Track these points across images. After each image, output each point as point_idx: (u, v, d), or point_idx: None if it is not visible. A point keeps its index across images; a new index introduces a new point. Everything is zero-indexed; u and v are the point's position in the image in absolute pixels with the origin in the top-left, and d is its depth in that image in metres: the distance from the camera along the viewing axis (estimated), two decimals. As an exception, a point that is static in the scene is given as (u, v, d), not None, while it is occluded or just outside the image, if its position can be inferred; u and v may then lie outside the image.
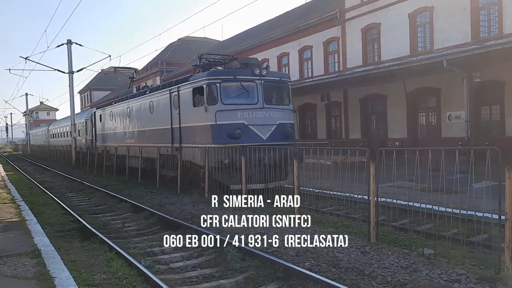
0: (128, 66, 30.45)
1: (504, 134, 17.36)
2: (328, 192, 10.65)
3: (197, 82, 12.86)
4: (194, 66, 14.99)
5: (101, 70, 42.94)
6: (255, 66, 12.86)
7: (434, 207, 7.35)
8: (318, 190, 11.01)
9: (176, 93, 14.04)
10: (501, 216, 5.33)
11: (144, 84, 21.82)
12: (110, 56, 28.66)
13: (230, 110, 12.08)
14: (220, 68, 13.95)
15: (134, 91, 20.09)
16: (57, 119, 65.74)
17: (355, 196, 9.38)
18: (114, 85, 64.20)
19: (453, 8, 19.24)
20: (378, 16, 22.97)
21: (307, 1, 34.37)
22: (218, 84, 12.18)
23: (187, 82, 13.44)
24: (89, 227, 8.82)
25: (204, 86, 12.41)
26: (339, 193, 10.08)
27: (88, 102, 70.23)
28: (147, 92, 17.10)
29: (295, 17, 31.23)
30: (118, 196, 13.15)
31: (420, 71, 17.48)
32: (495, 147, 5.58)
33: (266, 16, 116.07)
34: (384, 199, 8.74)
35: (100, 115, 23.72)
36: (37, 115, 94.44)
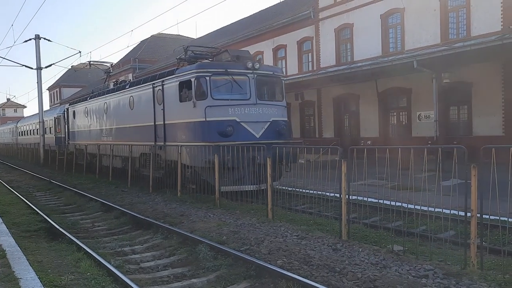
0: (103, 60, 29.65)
1: (471, 134, 17.86)
2: (301, 190, 10.73)
3: (184, 75, 12.10)
4: (178, 59, 14.03)
5: (71, 66, 41.97)
6: (247, 59, 12.14)
7: (403, 204, 7.50)
8: (292, 188, 11.07)
9: (160, 87, 13.22)
10: (467, 213, 5.47)
11: (118, 80, 20.94)
12: (80, 52, 28.22)
13: (221, 105, 11.42)
14: (208, 61, 13.19)
15: (111, 86, 19.22)
16: (25, 116, 63.86)
17: (328, 194, 9.47)
18: (84, 82, 62.93)
19: (424, 10, 19.66)
20: (351, 16, 23.25)
21: (281, 0, 34.50)
22: (208, 78, 11.45)
23: (173, 76, 12.62)
24: (57, 227, 8.59)
25: (193, 79, 11.66)
26: (312, 191, 10.16)
27: (57, 99, 68.46)
28: (127, 87, 16.17)
29: (269, 15, 31.29)
30: (88, 195, 12.86)
31: (391, 71, 17.80)
32: (462, 146, 5.73)
33: (241, 14, 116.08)
34: (356, 197, 8.87)
35: (74, 111, 22.70)
36: (3, 112, 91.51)
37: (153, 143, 13.72)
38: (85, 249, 6.80)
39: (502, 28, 16.74)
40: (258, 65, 11.99)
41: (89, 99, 20.48)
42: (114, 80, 20.92)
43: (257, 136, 11.59)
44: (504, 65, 16.61)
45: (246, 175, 10.54)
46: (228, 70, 11.60)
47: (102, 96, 18.54)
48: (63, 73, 66.29)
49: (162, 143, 13.19)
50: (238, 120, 11.44)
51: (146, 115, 14.16)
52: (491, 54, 14.98)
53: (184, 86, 12.09)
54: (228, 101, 11.52)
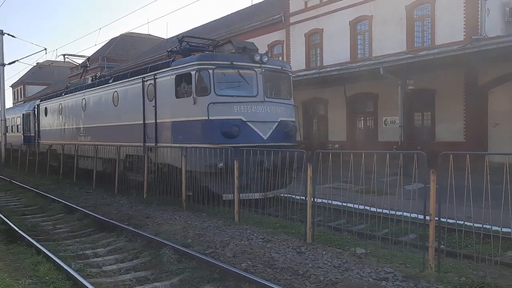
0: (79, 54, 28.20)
1: (434, 139, 18.42)
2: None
3: (182, 68, 10.91)
4: (169, 52, 12.78)
5: (37, 63, 40.74)
6: (254, 51, 11.04)
7: (366, 207, 7.65)
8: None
9: (152, 81, 11.96)
10: (426, 217, 5.64)
11: (97, 75, 19.57)
12: (46, 49, 27.29)
13: (225, 102, 10.32)
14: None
15: (90, 81, 17.93)
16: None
17: (294, 197, 9.55)
18: (50, 79, 61.35)
19: (391, 18, 20.17)
20: (321, 22, 23.58)
21: (253, 4, 34.66)
22: (211, 71, 10.32)
23: (168, 68, 11.39)
24: (16, 229, 8.30)
25: (193, 72, 10.51)
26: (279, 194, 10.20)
27: (21, 97, 66.34)
28: (110, 81, 14.73)
29: (241, 18, 31.34)
30: (50, 196, 12.49)
31: (359, 77, 18.16)
32: (422, 152, 5.90)
33: (212, 15, 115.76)
34: (321, 200, 8.97)
35: (46, 108, 21.08)
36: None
37: (142, 144, 12.52)
38: (44, 252, 6.61)
39: (464, 38, 17.36)
40: (266, 58, 10.95)
41: (64, 94, 18.96)
42: (93, 75, 19.91)
43: (265, 138, 10.69)
44: (466, 73, 17.24)
45: (251, 181, 9.52)
46: (234, 62, 10.51)
47: (80, 92, 16.99)
48: (27, 70, 64.38)
49: (153, 144, 11.99)
50: (244, 119, 10.41)
51: (133, 112, 12.90)
52: (454, 63, 15.51)
53: (183, 80, 10.90)
54: (233, 98, 10.44)
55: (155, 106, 11.87)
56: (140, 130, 12.58)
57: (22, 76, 66.53)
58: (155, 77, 11.95)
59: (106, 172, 14.23)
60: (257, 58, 10.76)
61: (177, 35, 42.73)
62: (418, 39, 19.69)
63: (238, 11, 35.53)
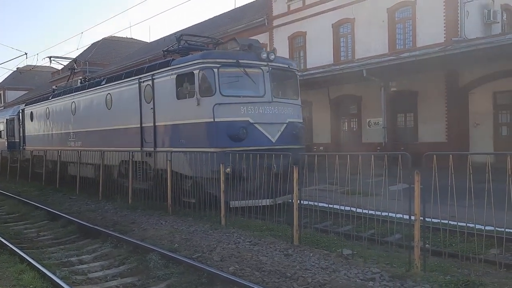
0: (66, 56, 27.55)
1: (417, 140, 18.67)
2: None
3: (184, 67, 10.33)
4: (165, 51, 12.28)
5: (17, 68, 40.07)
6: (259, 49, 10.47)
7: (352, 209, 7.71)
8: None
9: (150, 82, 11.36)
10: (411, 217, 5.71)
11: (86, 77, 18.89)
12: (26, 54, 26.72)
13: (232, 103, 9.76)
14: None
15: (78, 84, 17.39)
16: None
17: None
18: (31, 85, 60.45)
19: (373, 20, 20.40)
20: (304, 25, 23.72)
21: (236, 7, 34.72)
22: (215, 70, 9.75)
23: (168, 68, 10.79)
24: (-2, 237, 8.14)
25: (196, 72, 9.94)
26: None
27: (1, 102, 65.16)
28: (103, 83, 14.05)
29: (224, 21, 31.33)
30: (33, 203, 12.27)
31: (342, 79, 18.33)
32: (406, 153, 5.98)
33: (195, 19, 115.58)
34: (307, 202, 9.01)
35: (31, 112, 20.38)
36: None
37: (139, 148, 11.90)
38: (28, 260, 6.49)
39: (445, 40, 17.67)
40: (273, 56, 10.44)
41: (52, 98, 18.30)
42: (82, 77, 19.40)
43: (273, 141, 10.17)
44: (447, 75, 17.53)
45: (260, 187, 9.07)
46: (240, 60, 9.95)
47: (69, 95, 16.27)
48: (7, 75, 63.32)
49: (152, 149, 11.39)
50: (251, 121, 9.84)
51: (129, 115, 12.29)
52: (435, 65, 15.75)
53: (185, 80, 10.28)
54: (239, 98, 9.88)
55: (154, 109, 11.30)
56: (137, 134, 11.99)
57: (2, 81, 65.39)
58: (153, 77, 11.34)
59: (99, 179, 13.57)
60: (264, 56, 10.25)
61: (159, 38, 42.58)
62: (400, 41, 19.96)
63: (221, 14, 35.53)
